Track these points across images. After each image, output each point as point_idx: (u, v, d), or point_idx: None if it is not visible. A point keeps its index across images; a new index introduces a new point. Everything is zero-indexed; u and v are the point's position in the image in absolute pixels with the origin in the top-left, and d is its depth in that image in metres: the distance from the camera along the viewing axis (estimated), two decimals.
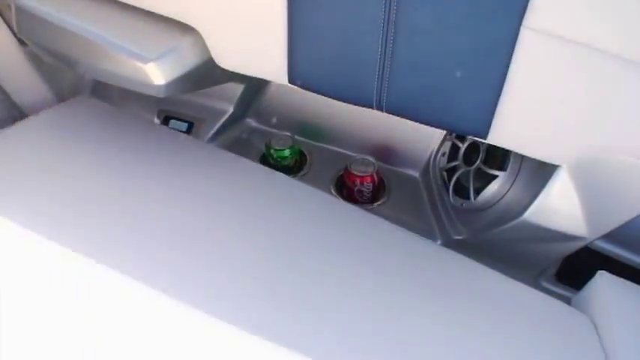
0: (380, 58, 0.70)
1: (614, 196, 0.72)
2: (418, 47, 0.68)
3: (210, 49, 0.82)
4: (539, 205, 0.77)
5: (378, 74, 0.71)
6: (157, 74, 0.78)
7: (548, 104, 0.67)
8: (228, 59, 0.83)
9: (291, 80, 0.79)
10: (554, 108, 0.67)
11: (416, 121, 0.75)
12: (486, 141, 0.73)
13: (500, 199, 0.89)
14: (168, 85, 0.80)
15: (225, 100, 1.17)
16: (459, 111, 0.71)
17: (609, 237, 0.77)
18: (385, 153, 1.14)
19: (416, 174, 1.13)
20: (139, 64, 0.77)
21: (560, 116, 0.68)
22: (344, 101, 0.78)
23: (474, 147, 0.98)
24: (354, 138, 1.15)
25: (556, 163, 0.72)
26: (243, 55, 0.81)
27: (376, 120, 1.11)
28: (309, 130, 1.18)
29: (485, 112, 0.69)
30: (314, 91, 0.79)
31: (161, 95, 0.81)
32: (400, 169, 1.14)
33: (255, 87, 1.18)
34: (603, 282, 0.72)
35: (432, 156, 1.11)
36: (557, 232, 0.79)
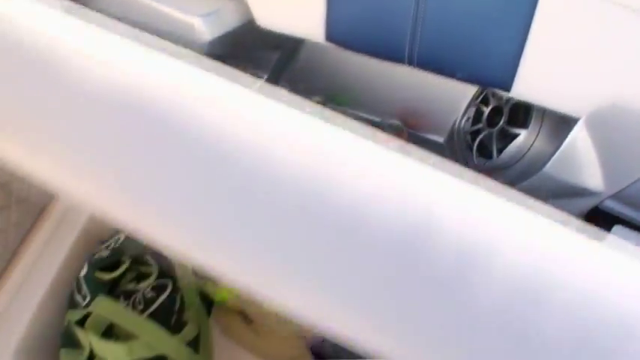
0: (413, 13, 0.75)
1: (630, 150, 0.76)
2: (449, 2, 0.72)
3: (252, 8, 0.88)
4: (558, 157, 0.81)
5: (411, 29, 0.76)
6: (203, 30, 0.85)
7: (569, 56, 0.71)
8: (268, 18, 0.89)
9: (328, 37, 0.84)
10: (574, 60, 0.71)
11: (444, 74, 0.80)
12: (509, 94, 0.77)
13: (521, 157, 0.94)
14: (211, 42, 0.86)
15: (260, 67, 1.23)
16: (484, 63, 0.75)
17: (624, 197, 0.80)
18: (411, 119, 1.19)
19: (441, 140, 1.17)
20: (187, 19, 0.84)
21: (579, 68, 0.72)
22: (377, 57, 0.83)
23: (498, 110, 1.03)
24: (381, 105, 1.20)
25: (575, 115, 0.76)
26: (282, 13, 0.87)
27: (403, 87, 1.15)
28: (338, 96, 1.23)
29: (509, 65, 0.73)
30: (348, 48, 0.84)
31: (203, 53, 0.87)
32: (426, 135, 1.18)
33: (288, 54, 1.24)
34: (619, 234, 0.76)
35: (457, 121, 1.15)
36: (575, 187, 0.83)
